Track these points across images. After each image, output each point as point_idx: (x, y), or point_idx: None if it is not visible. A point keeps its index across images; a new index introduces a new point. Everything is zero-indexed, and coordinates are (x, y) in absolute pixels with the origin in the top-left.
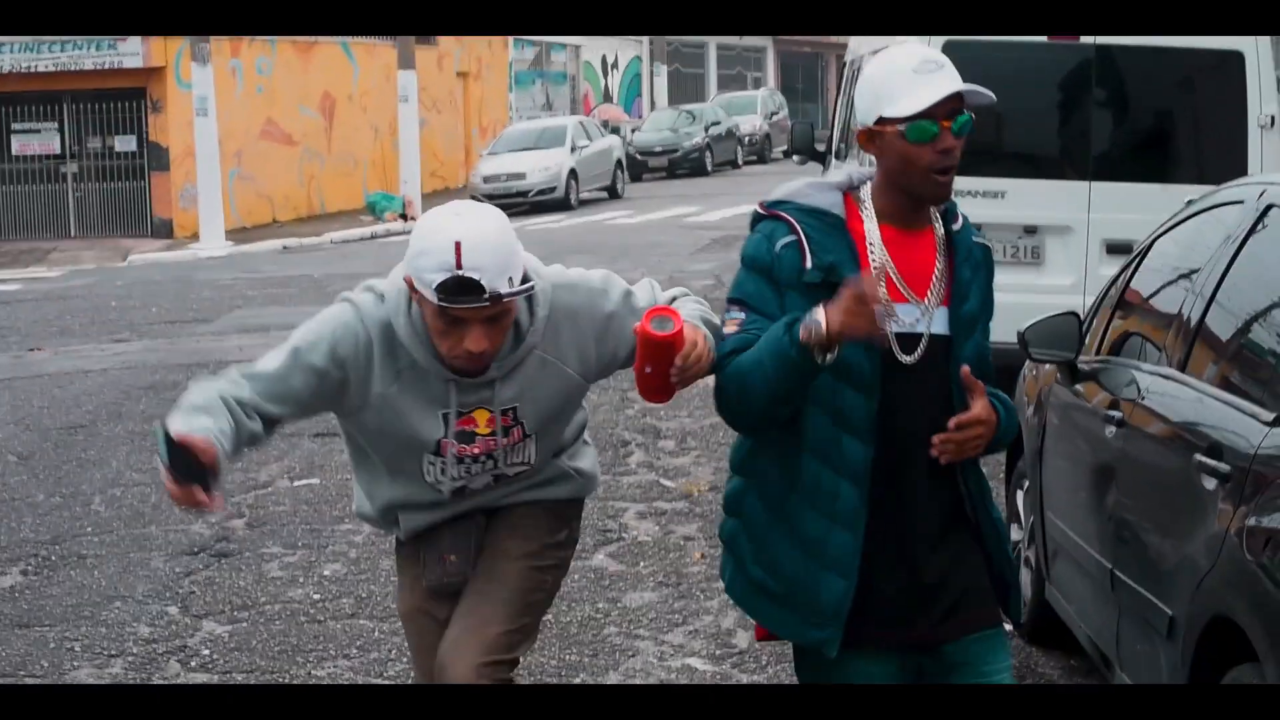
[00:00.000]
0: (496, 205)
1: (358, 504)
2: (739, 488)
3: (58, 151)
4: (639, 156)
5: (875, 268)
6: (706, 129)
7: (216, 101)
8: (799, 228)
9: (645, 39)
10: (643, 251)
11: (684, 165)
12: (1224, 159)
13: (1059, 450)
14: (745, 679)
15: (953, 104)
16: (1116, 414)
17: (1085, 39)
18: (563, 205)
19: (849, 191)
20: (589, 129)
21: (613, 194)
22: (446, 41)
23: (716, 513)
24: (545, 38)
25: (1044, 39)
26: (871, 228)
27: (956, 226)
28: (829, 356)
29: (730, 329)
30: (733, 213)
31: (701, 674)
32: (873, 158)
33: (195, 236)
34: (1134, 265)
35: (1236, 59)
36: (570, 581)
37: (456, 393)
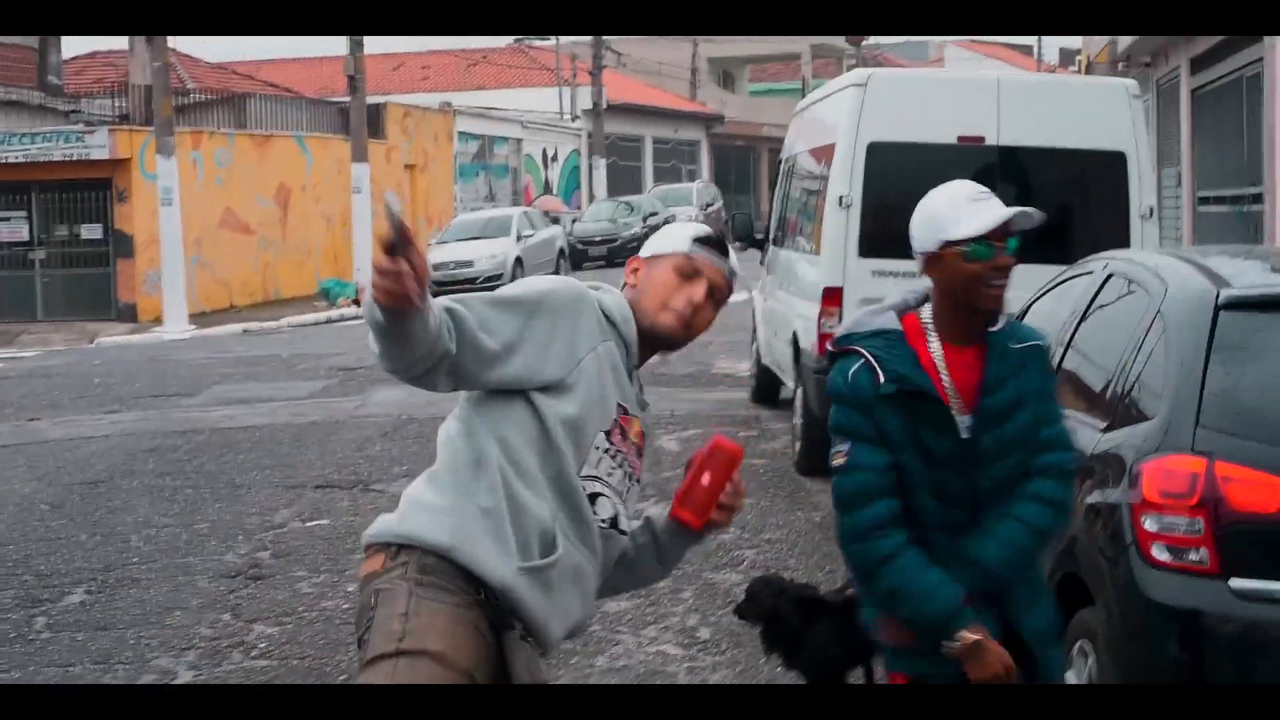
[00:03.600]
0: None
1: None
2: None
3: (26, 239)
4: (580, 245)
5: (945, 384)
6: (644, 219)
7: (179, 191)
8: (865, 352)
9: (583, 133)
10: None
11: (623, 254)
12: (1111, 243)
13: None
14: (709, 659)
15: (1004, 228)
16: None
17: (989, 141)
18: None
19: (908, 313)
20: (533, 219)
21: None
22: (394, 135)
23: None
24: (486, 132)
25: (954, 141)
26: (935, 345)
27: (993, 328)
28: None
29: (838, 460)
30: None
31: (674, 657)
32: (930, 280)
33: (158, 320)
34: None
35: (1120, 159)
36: None
37: (633, 383)
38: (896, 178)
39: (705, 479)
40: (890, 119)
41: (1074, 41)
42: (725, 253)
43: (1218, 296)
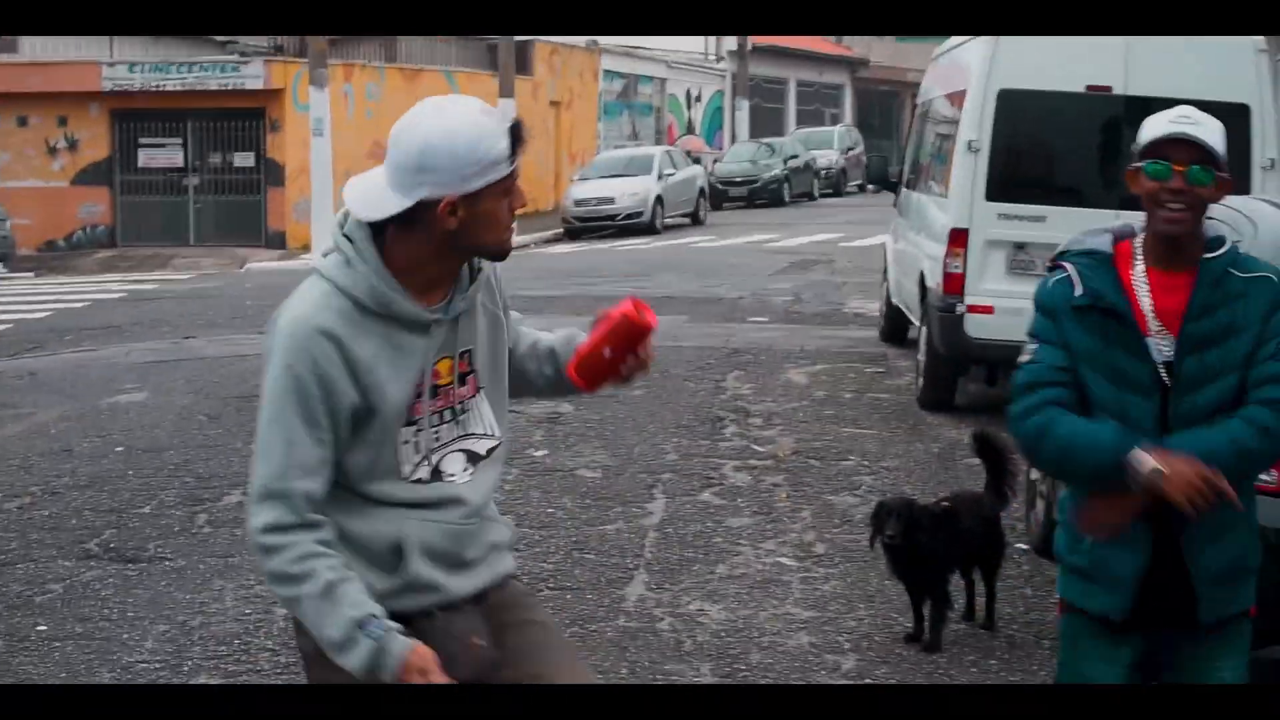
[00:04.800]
0: (586, 227)
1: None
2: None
3: (181, 165)
4: (720, 186)
5: (1143, 306)
6: (785, 162)
7: (330, 122)
8: (1070, 265)
9: (728, 74)
10: (726, 271)
11: (763, 195)
12: (1233, 194)
13: None
14: (822, 571)
15: (1193, 154)
16: None
17: (1116, 91)
18: (649, 229)
19: (1125, 239)
20: (675, 158)
21: (695, 220)
22: (541, 71)
23: (799, 469)
24: (631, 70)
25: (1082, 89)
26: (1139, 268)
27: (1209, 256)
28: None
29: (1024, 358)
30: (808, 240)
31: (789, 568)
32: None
33: (306, 248)
34: None
35: (1243, 111)
36: (681, 510)
37: (431, 337)
38: (1025, 124)
39: (606, 352)
40: (1021, 67)
41: None
42: (524, 131)
43: None
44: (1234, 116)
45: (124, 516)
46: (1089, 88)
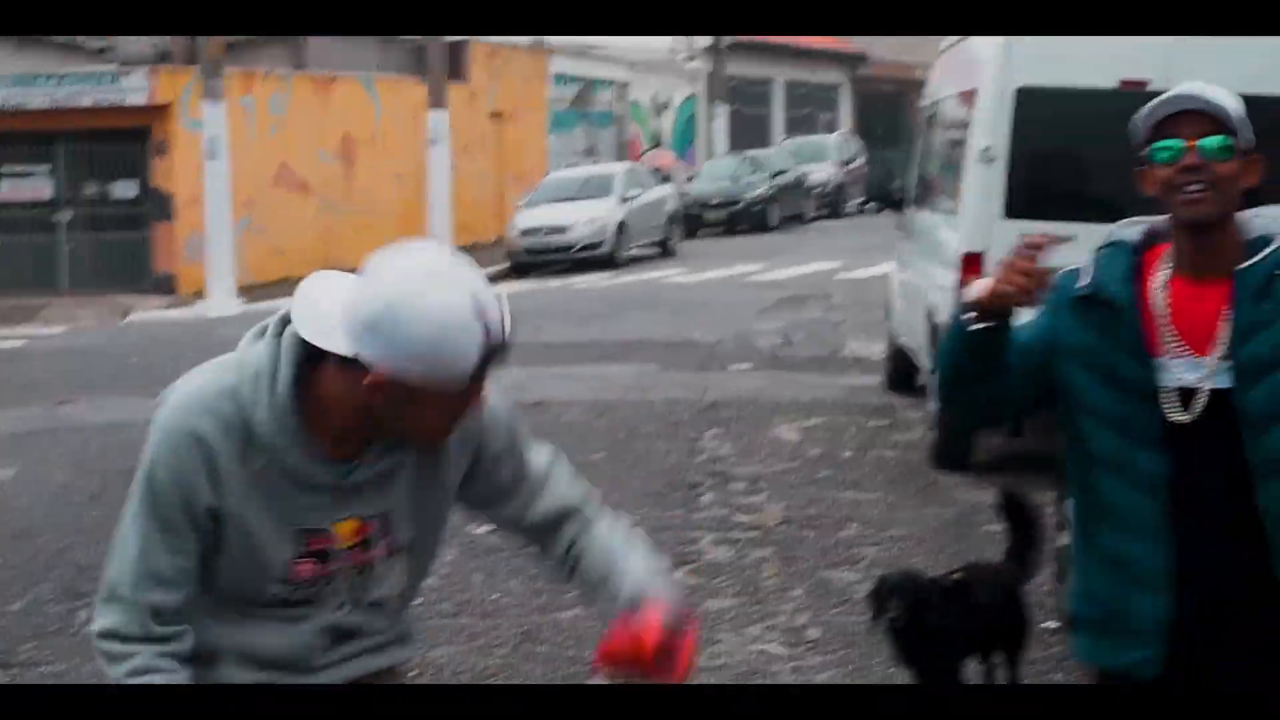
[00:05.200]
0: (536, 262)
1: None
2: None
3: (50, 198)
4: (694, 209)
5: (1158, 316)
6: (771, 178)
7: (228, 143)
8: (1093, 256)
9: (701, 74)
10: (702, 310)
11: (745, 219)
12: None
13: None
14: (817, 659)
15: (1205, 125)
16: None
17: (1155, 86)
18: (609, 263)
19: (1162, 242)
20: (640, 177)
21: (665, 251)
22: (478, 76)
23: (790, 541)
24: (586, 73)
25: (1115, 85)
26: (1162, 274)
27: (1244, 265)
28: (978, 321)
29: None
30: (800, 271)
31: (778, 657)
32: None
33: (201, 294)
34: None
35: None
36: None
37: (325, 498)
38: (1049, 127)
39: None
40: (1043, 60)
41: None
42: (507, 353)
43: None
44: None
45: None
46: (1123, 83)
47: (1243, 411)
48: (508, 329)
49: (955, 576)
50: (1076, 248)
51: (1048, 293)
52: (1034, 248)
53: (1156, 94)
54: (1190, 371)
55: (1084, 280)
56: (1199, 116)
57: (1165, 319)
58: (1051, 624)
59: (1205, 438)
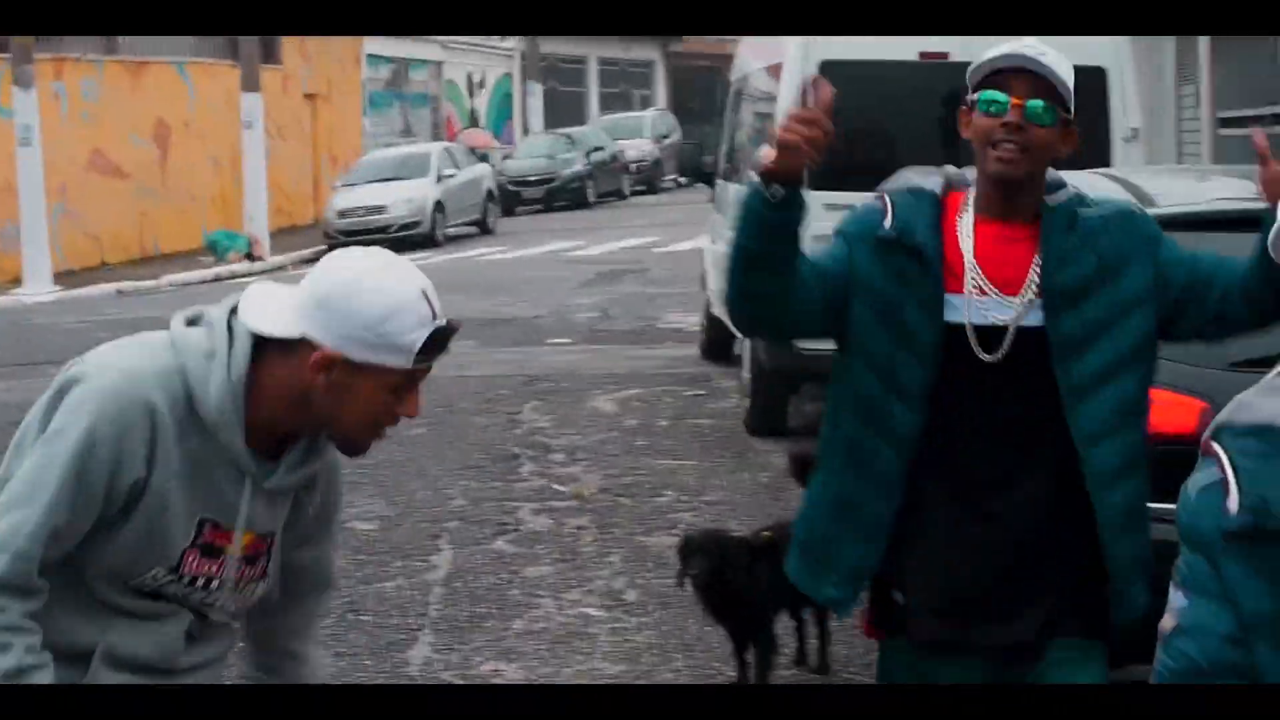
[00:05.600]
0: (353, 243)
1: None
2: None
3: None
4: (511, 187)
5: (965, 258)
6: (588, 155)
7: (40, 129)
8: (889, 198)
9: (516, 53)
10: (521, 287)
11: (562, 196)
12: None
13: None
14: (634, 620)
15: (1035, 87)
16: None
17: (955, 57)
18: (427, 242)
19: (960, 189)
20: (456, 156)
21: (483, 229)
22: (292, 60)
23: (607, 510)
24: (401, 54)
25: (915, 57)
26: (966, 218)
27: (1052, 200)
28: (775, 190)
29: None
30: (618, 246)
31: (596, 619)
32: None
33: (17, 281)
34: None
35: (1099, 74)
36: (470, 561)
37: (245, 491)
38: (852, 100)
39: None
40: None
41: None
42: (449, 341)
43: None
44: (1089, 81)
45: None
46: (923, 55)
47: (1056, 341)
48: (453, 324)
49: (764, 535)
50: None
51: (847, 221)
52: (809, 91)
53: (957, 65)
54: (999, 311)
55: (887, 222)
56: (1031, 77)
57: (973, 260)
58: None
59: (1013, 377)
